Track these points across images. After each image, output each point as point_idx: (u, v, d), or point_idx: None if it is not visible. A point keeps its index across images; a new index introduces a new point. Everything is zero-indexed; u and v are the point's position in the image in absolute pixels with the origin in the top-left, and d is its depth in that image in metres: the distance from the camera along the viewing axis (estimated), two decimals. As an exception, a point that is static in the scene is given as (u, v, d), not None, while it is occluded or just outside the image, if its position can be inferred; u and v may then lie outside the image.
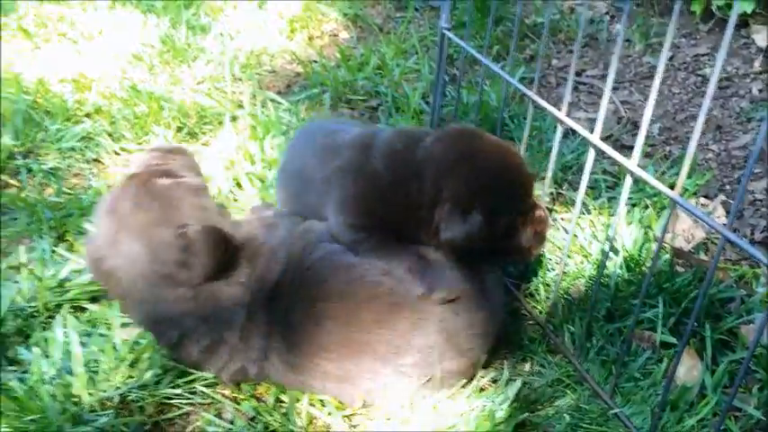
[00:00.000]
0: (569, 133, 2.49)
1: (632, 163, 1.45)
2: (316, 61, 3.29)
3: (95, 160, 2.57)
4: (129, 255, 1.62)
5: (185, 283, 1.59)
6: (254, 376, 1.64)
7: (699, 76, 3.12)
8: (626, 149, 2.63)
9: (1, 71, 2.90)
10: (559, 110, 1.69)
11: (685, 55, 3.28)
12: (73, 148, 2.58)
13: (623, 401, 1.59)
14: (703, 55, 3.26)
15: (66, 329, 1.75)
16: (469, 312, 1.57)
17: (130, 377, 1.66)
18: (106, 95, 2.85)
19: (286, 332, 1.57)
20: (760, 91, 2.96)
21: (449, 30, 2.14)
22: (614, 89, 3.05)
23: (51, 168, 2.46)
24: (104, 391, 1.62)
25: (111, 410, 1.58)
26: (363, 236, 1.66)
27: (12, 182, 2.41)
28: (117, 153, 2.59)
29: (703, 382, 1.59)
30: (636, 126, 2.79)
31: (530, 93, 1.78)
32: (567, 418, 1.55)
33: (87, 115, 2.75)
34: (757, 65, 3.12)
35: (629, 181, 1.48)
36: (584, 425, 1.55)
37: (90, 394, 1.61)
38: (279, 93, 3.06)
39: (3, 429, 1.51)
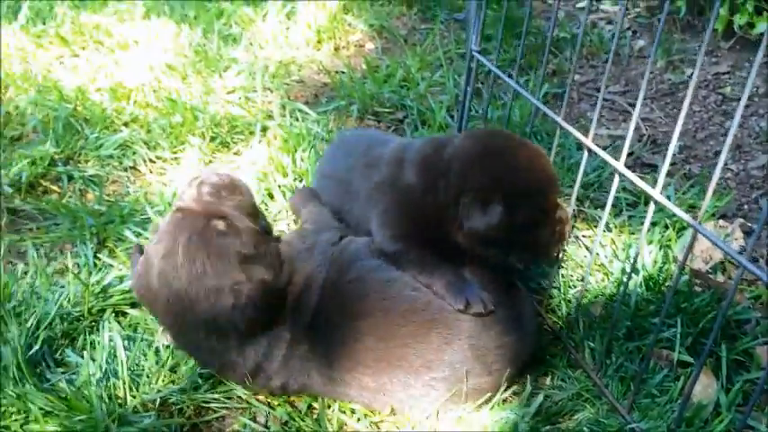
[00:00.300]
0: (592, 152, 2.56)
1: (656, 191, 1.52)
2: (343, 72, 3.38)
3: (132, 167, 2.67)
4: (180, 301, 1.65)
5: (233, 335, 1.67)
6: (294, 391, 1.73)
7: (719, 94, 3.18)
8: (646, 167, 2.70)
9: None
10: (586, 135, 1.75)
11: (706, 73, 3.33)
12: (111, 156, 2.69)
13: (640, 417, 1.65)
14: (724, 73, 3.32)
15: (111, 333, 1.84)
16: (500, 331, 1.65)
17: (171, 381, 1.76)
18: (142, 105, 2.95)
19: (326, 350, 1.66)
20: (780, 110, 3.01)
21: (479, 52, 2.22)
22: (633, 105, 3.11)
23: (91, 176, 2.56)
24: (147, 394, 1.71)
25: (153, 412, 1.68)
26: (404, 246, 1.75)
27: (53, 188, 2.52)
28: (153, 161, 2.69)
29: (718, 400, 1.66)
30: (656, 144, 2.85)
31: (558, 118, 1.84)
32: (587, 431, 1.62)
33: (125, 124, 2.86)
34: (777, 84, 3.17)
35: (652, 208, 1.55)
36: (603, 438, 1.62)
37: (133, 396, 1.71)
38: (307, 103, 3.15)
39: (52, 428, 1.61)
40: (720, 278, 2.06)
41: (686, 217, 1.44)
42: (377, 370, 1.62)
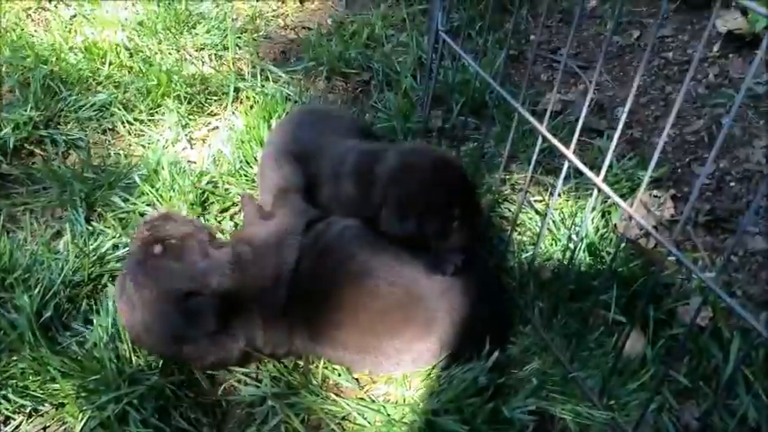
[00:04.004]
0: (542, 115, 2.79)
1: (599, 179, 1.75)
2: (309, 28, 3.48)
3: (111, 129, 2.79)
4: (142, 330, 1.83)
5: (196, 338, 1.83)
6: (282, 355, 1.95)
7: (662, 58, 3.40)
8: (593, 132, 2.94)
9: None
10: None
11: (651, 36, 3.53)
12: (90, 118, 2.79)
13: (580, 367, 1.94)
14: (668, 37, 3.53)
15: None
16: (471, 329, 1.90)
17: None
18: (118, 66, 3.03)
19: (307, 330, 1.88)
20: (716, 76, 3.26)
21: (446, 32, 2.38)
22: (584, 68, 3.32)
23: (73, 139, 2.67)
24: (149, 355, 1.92)
25: (156, 371, 1.89)
26: None
27: (38, 151, 2.63)
28: (131, 123, 2.80)
29: (645, 354, 1.96)
30: (602, 108, 3.08)
31: (516, 104, 2.04)
32: (535, 380, 1.91)
33: (101, 85, 2.95)
34: (716, 49, 3.40)
35: (595, 194, 1.79)
36: (548, 386, 1.91)
37: (137, 357, 1.92)
38: (275, 60, 3.27)
39: (68, 386, 1.81)
40: (652, 242, 2.34)
41: (624, 205, 1.67)
42: (355, 352, 1.87)
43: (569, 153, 1.85)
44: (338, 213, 2.07)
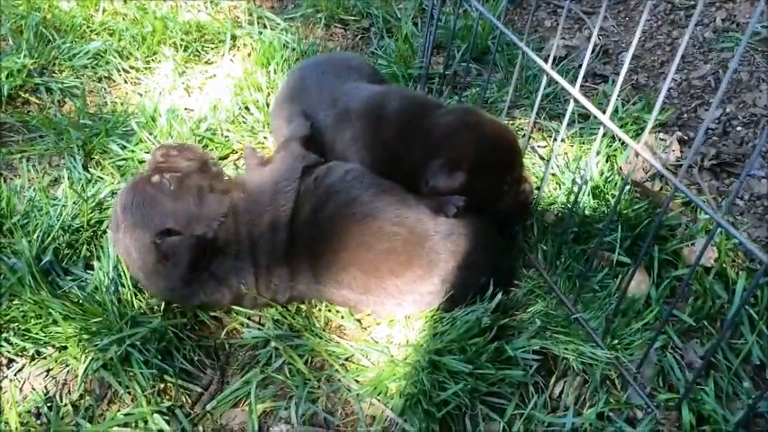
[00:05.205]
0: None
1: (605, 117, 1.72)
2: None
3: (107, 77, 2.74)
4: (124, 251, 1.82)
5: (173, 276, 1.80)
6: (284, 302, 1.94)
7: (668, 2, 3.33)
8: (598, 78, 2.89)
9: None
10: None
11: (657, -20, 3.47)
12: (85, 66, 2.74)
13: (583, 308, 1.93)
14: (674, -19, 3.46)
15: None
16: (473, 272, 1.88)
17: (172, 286, 1.95)
18: (112, 13, 2.96)
19: (311, 271, 1.86)
20: (723, 20, 3.19)
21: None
22: (589, 14, 3.26)
23: (68, 87, 2.63)
24: (151, 299, 1.91)
25: (159, 314, 1.88)
26: None
27: (33, 99, 2.59)
28: (126, 71, 2.75)
29: (649, 295, 1.95)
30: (607, 54, 3.03)
31: (521, 44, 2.00)
32: (538, 321, 1.90)
33: (95, 33, 2.89)
34: (723, -7, 3.34)
35: (601, 131, 1.76)
36: (552, 327, 1.90)
37: (139, 301, 1.91)
38: (272, 8, 3.20)
39: (70, 329, 1.81)
40: (657, 185, 2.32)
41: (631, 142, 1.64)
42: (359, 292, 1.85)
43: (575, 91, 1.81)
44: (353, 159, 2.04)
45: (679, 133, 2.48)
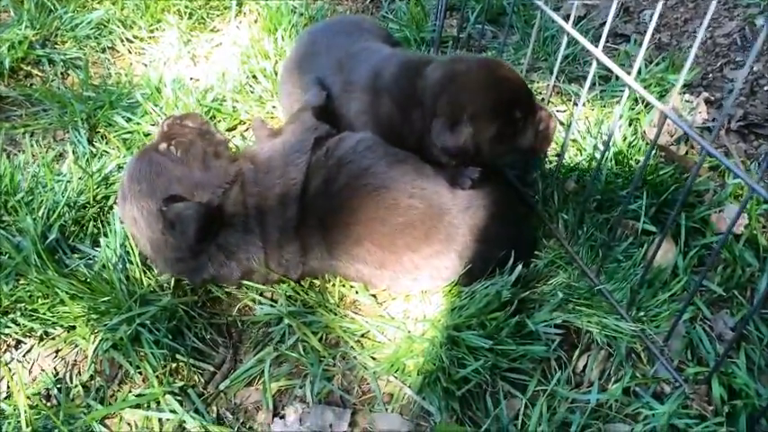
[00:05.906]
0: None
1: (630, 78, 1.62)
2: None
3: (111, 48, 2.66)
4: (131, 222, 1.79)
5: (181, 246, 1.76)
6: (297, 278, 1.88)
7: (692, -42, 3.19)
8: (619, 37, 2.78)
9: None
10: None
11: (680, -66, 3.32)
12: (88, 36, 2.67)
13: (607, 279, 1.86)
14: (697, -65, 3.31)
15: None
16: (491, 247, 1.80)
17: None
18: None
19: (324, 244, 1.80)
20: (749, -25, 3.06)
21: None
22: (609, -29, 3.12)
23: (71, 58, 2.55)
24: (160, 276, 1.86)
25: (168, 292, 1.83)
26: None
27: (35, 72, 2.52)
28: (130, 41, 2.67)
29: (676, 264, 1.87)
30: (628, 12, 2.91)
31: (540, 3, 1.90)
32: (560, 294, 1.83)
33: (97, 1, 2.80)
34: (749, -53, 3.19)
35: (626, 93, 1.66)
36: (574, 299, 1.83)
37: (148, 279, 1.85)
38: (279, -29, 3.09)
39: (78, 309, 1.76)
40: (683, 148, 2.22)
41: (658, 104, 1.55)
42: (374, 267, 1.79)
43: (598, 52, 1.71)
44: (368, 126, 1.95)
45: (705, 94, 2.37)
